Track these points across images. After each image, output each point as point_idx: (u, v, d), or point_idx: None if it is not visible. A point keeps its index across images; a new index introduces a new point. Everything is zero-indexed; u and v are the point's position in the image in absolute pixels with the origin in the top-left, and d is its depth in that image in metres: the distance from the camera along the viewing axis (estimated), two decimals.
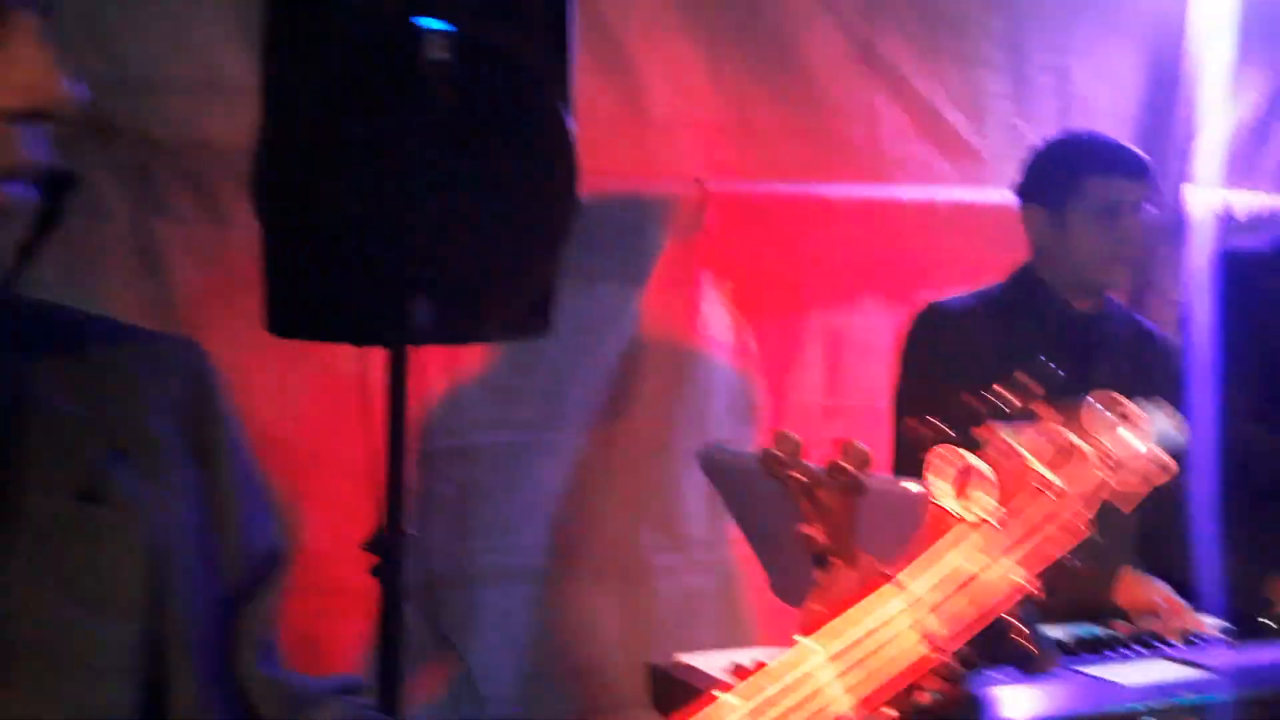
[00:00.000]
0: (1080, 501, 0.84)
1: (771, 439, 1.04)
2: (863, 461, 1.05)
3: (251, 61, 1.91)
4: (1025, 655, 1.50)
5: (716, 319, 2.96)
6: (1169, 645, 1.95)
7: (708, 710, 0.80)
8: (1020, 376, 0.87)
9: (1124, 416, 0.85)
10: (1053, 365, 2.14)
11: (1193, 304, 2.44)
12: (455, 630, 2.76)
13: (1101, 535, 2.06)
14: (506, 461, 2.77)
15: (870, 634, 0.81)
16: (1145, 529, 2.26)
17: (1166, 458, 0.84)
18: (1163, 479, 0.83)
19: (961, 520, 0.84)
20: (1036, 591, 0.85)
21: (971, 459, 0.84)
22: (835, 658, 0.81)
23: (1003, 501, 0.83)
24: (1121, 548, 2.18)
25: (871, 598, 0.82)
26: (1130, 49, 3.16)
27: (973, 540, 0.83)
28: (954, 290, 2.48)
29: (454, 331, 1.98)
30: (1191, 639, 1.98)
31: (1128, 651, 1.88)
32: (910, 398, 2.13)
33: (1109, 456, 0.83)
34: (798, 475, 1.03)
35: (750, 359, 3.02)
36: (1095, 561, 2.03)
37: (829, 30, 2.87)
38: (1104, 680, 1.65)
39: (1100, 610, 2.07)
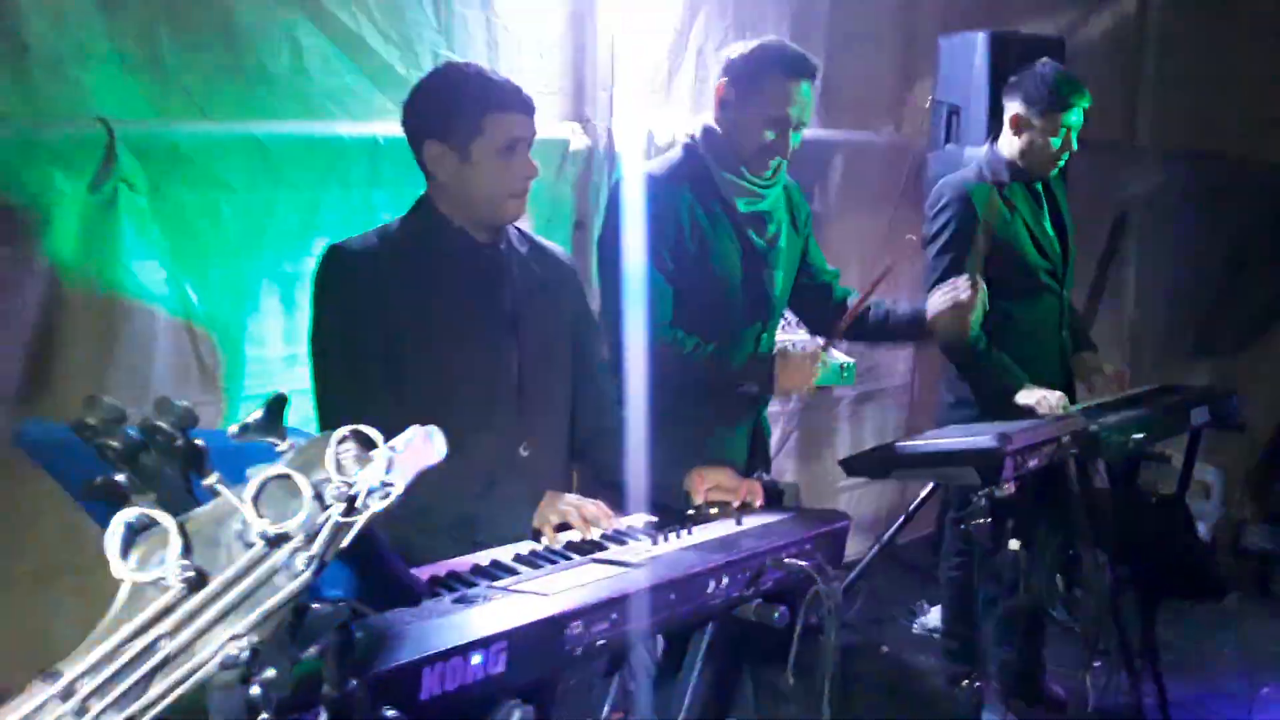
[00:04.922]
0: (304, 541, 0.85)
1: (84, 406, 0.94)
2: (186, 420, 0.98)
3: None
4: (404, 593, 1.51)
5: (149, 274, 2.72)
6: (601, 547, 2.06)
7: None
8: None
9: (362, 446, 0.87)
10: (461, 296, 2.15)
11: (610, 224, 2.58)
12: None
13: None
14: None
15: None
16: (582, 438, 2.39)
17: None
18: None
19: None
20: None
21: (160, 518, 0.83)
22: None
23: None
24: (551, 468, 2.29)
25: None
26: None
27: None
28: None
29: None
30: (619, 538, 2.11)
31: (563, 560, 1.97)
32: (324, 342, 2.06)
33: (349, 485, 0.85)
34: (114, 443, 0.94)
35: (194, 314, 2.81)
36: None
37: None
38: (531, 593, 1.71)
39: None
